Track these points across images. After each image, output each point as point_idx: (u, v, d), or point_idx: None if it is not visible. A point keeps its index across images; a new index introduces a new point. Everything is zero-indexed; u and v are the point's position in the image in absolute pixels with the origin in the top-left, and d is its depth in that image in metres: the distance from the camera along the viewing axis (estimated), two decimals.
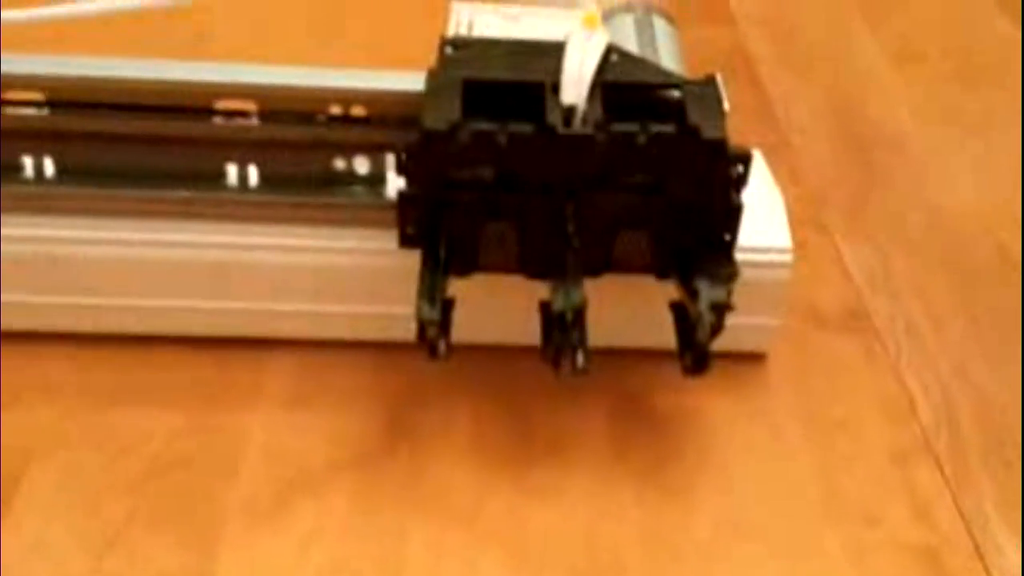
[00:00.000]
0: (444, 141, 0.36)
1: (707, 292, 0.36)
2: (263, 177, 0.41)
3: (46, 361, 0.42)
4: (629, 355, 0.42)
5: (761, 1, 0.73)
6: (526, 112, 0.37)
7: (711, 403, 0.41)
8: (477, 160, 0.37)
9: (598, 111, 0.36)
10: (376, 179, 0.41)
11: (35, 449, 0.38)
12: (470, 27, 0.41)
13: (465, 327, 0.37)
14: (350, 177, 0.41)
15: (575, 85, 0.36)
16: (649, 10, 0.44)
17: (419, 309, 0.36)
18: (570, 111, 0.36)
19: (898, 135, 0.59)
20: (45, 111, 0.39)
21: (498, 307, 0.40)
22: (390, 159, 0.40)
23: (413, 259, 0.38)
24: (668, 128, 0.37)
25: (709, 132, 0.36)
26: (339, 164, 0.41)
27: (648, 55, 0.41)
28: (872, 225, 0.52)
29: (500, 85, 0.37)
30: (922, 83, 0.64)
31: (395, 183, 0.40)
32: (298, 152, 0.40)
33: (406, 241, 0.38)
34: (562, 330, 0.37)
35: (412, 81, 0.39)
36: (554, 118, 0.36)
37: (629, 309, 0.40)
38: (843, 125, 0.60)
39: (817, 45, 0.69)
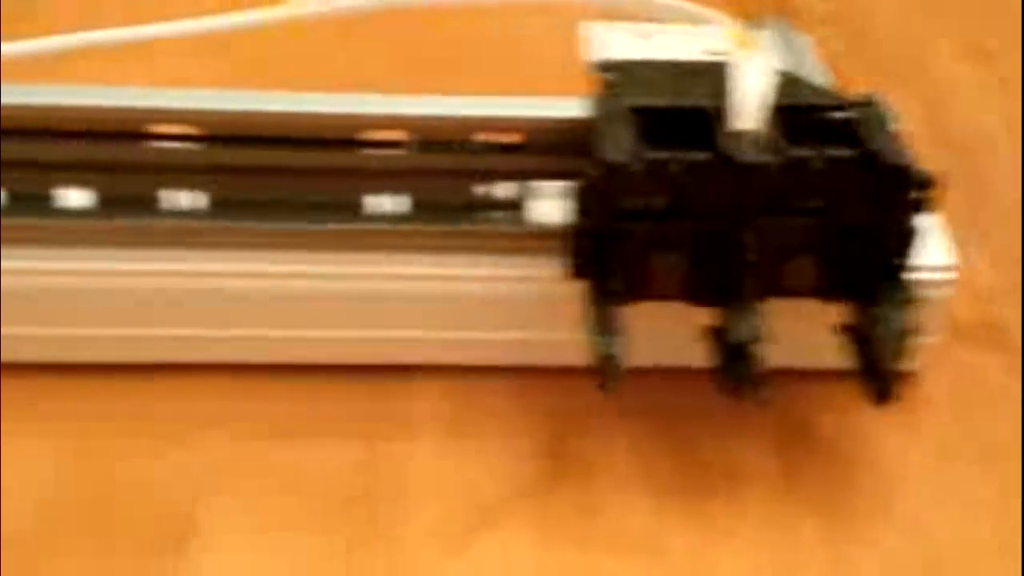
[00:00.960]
0: (622, 172, 0.35)
1: (892, 318, 0.36)
2: (408, 206, 0.40)
3: (201, 396, 0.41)
4: (785, 375, 0.41)
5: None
6: (692, 138, 0.36)
7: (877, 427, 0.41)
8: (652, 190, 0.36)
9: (774, 136, 0.36)
10: (518, 205, 0.40)
11: (209, 486, 0.38)
12: (604, 47, 0.41)
13: None
14: (493, 204, 0.40)
15: (749, 110, 0.36)
16: (785, 23, 0.43)
17: (596, 344, 0.36)
18: (744, 137, 0.36)
19: (990, 137, 0.58)
20: (196, 145, 0.38)
21: (648, 329, 0.40)
22: (535, 185, 0.40)
23: (562, 286, 0.38)
24: (845, 152, 0.36)
25: (892, 158, 0.35)
26: (481, 191, 0.40)
27: (802, 73, 0.40)
28: (988, 231, 0.51)
29: (668, 112, 0.37)
30: (995, 81, 0.63)
31: (538, 210, 0.40)
32: (445, 181, 0.40)
33: (575, 272, 0.38)
34: (741, 359, 0.36)
35: (570, 107, 0.38)
36: (731, 145, 0.35)
37: (785, 330, 0.40)
38: (934, 125, 0.60)
39: (888, 42, 0.68)
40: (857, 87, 0.62)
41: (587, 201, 0.36)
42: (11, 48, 0.42)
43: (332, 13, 0.45)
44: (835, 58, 0.65)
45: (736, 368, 0.36)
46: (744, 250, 0.36)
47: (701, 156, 0.36)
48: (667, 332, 0.39)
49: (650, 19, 0.43)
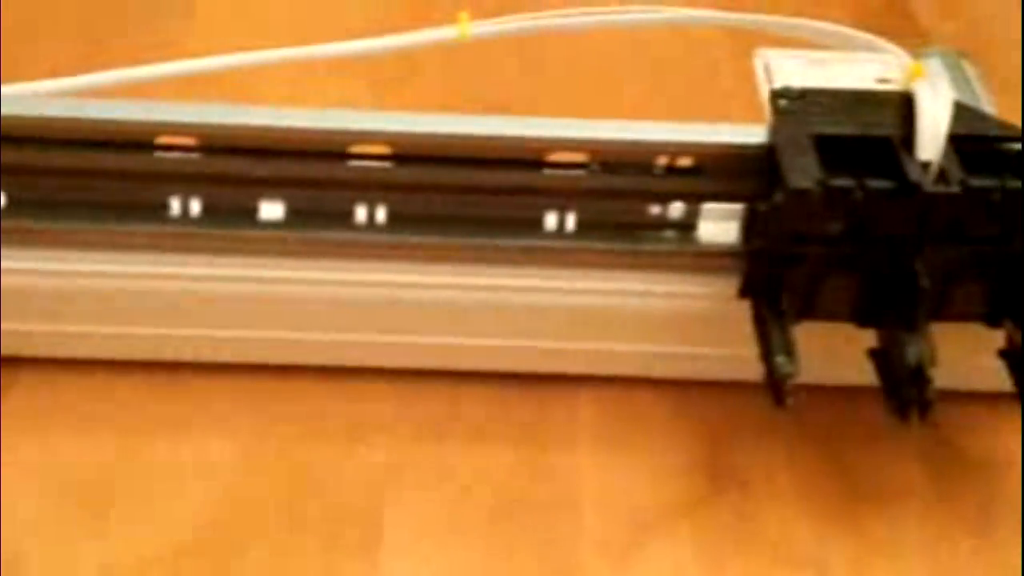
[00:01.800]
0: (807, 198, 0.36)
1: None
2: (585, 224, 0.42)
3: (371, 400, 0.43)
4: (946, 397, 0.42)
5: (954, 19, 0.72)
6: (874, 166, 0.37)
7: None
8: (833, 216, 0.37)
9: (956, 167, 0.37)
10: (690, 226, 0.42)
11: (387, 488, 0.40)
12: (778, 73, 0.42)
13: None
14: (664, 224, 0.42)
15: (932, 141, 0.37)
16: (956, 52, 0.44)
17: (777, 364, 0.37)
18: (926, 167, 0.37)
19: None
20: (388, 164, 0.40)
21: (812, 348, 0.41)
22: (704, 207, 0.42)
23: (728, 304, 0.40)
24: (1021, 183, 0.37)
25: None
26: (655, 211, 0.42)
27: (967, 101, 0.41)
28: None
29: (848, 140, 0.38)
30: None
31: (709, 231, 0.42)
32: (624, 201, 0.41)
33: (747, 292, 0.39)
34: (914, 383, 0.37)
35: (748, 134, 0.40)
36: (917, 175, 0.36)
37: (947, 354, 0.41)
38: None
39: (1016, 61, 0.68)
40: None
41: (767, 224, 0.37)
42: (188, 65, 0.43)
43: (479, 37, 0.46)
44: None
45: (906, 391, 0.37)
46: (918, 276, 0.37)
47: (885, 184, 0.37)
48: (830, 351, 0.40)
49: (822, 46, 0.44)
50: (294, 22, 0.64)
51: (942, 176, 0.37)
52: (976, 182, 0.37)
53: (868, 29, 0.66)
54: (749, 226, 0.38)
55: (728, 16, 0.46)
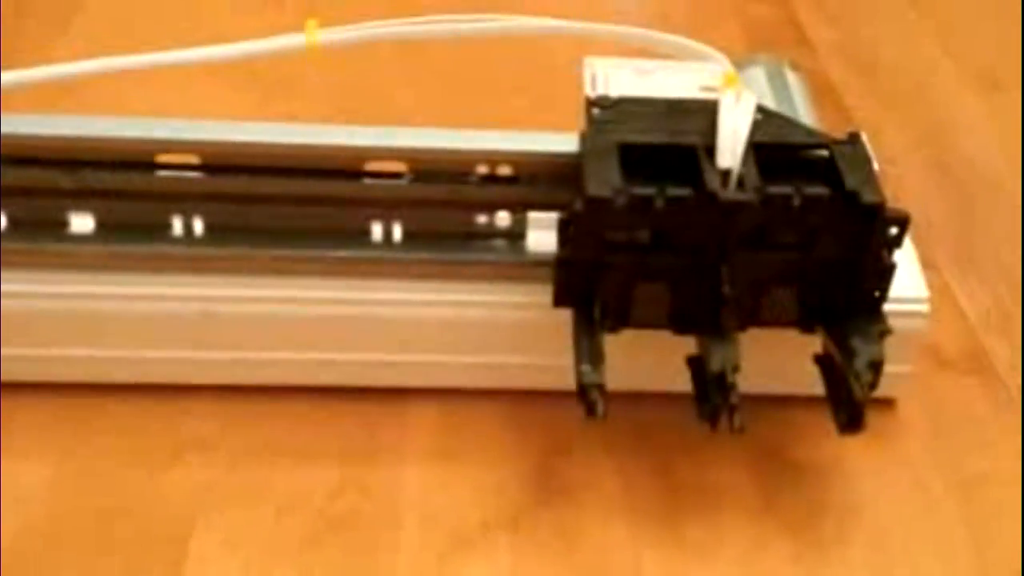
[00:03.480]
0: (606, 206, 0.36)
1: (865, 351, 0.37)
2: (408, 235, 0.42)
3: (196, 417, 0.43)
4: (761, 401, 0.43)
5: (837, 28, 0.73)
6: (677, 174, 0.38)
7: (850, 452, 0.42)
8: (635, 224, 0.38)
9: (754, 174, 0.37)
10: (517, 235, 0.42)
11: (200, 509, 0.39)
12: (605, 82, 0.42)
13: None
14: (492, 233, 0.42)
15: (731, 149, 0.37)
16: (779, 61, 0.44)
17: (582, 372, 0.37)
18: (726, 174, 0.37)
19: (992, 169, 0.59)
20: (200, 174, 0.40)
21: (632, 356, 0.41)
22: (532, 216, 0.42)
23: (552, 313, 0.40)
24: (823, 190, 0.37)
25: (868, 196, 0.37)
26: (482, 221, 0.42)
27: (785, 109, 0.42)
28: (980, 263, 0.52)
29: (654, 148, 0.38)
30: (1006, 113, 0.64)
31: (536, 240, 0.42)
32: (443, 211, 0.41)
33: (560, 301, 0.39)
34: (719, 389, 0.38)
35: (562, 142, 0.40)
36: (714, 183, 0.37)
37: (764, 359, 0.41)
38: (935, 156, 0.61)
39: (899, 73, 0.69)
40: (861, 116, 0.64)
41: (572, 233, 0.37)
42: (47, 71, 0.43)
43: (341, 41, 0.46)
44: (843, 87, 0.67)
45: (713, 396, 0.38)
46: (721, 283, 0.38)
47: (682, 192, 0.37)
48: (650, 359, 0.41)
49: (656, 55, 0.44)
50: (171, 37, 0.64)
51: (740, 184, 0.37)
52: (774, 189, 0.37)
53: (761, 42, 0.67)
54: (559, 235, 0.38)
55: (560, 24, 0.46)
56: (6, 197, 0.40)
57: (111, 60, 0.44)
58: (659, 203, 0.37)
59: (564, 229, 0.38)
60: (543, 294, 0.41)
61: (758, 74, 0.43)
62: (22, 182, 0.40)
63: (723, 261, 0.38)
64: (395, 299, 0.42)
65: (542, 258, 0.41)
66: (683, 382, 0.40)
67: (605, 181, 0.37)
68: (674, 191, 0.37)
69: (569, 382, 0.39)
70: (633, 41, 0.45)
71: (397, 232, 0.42)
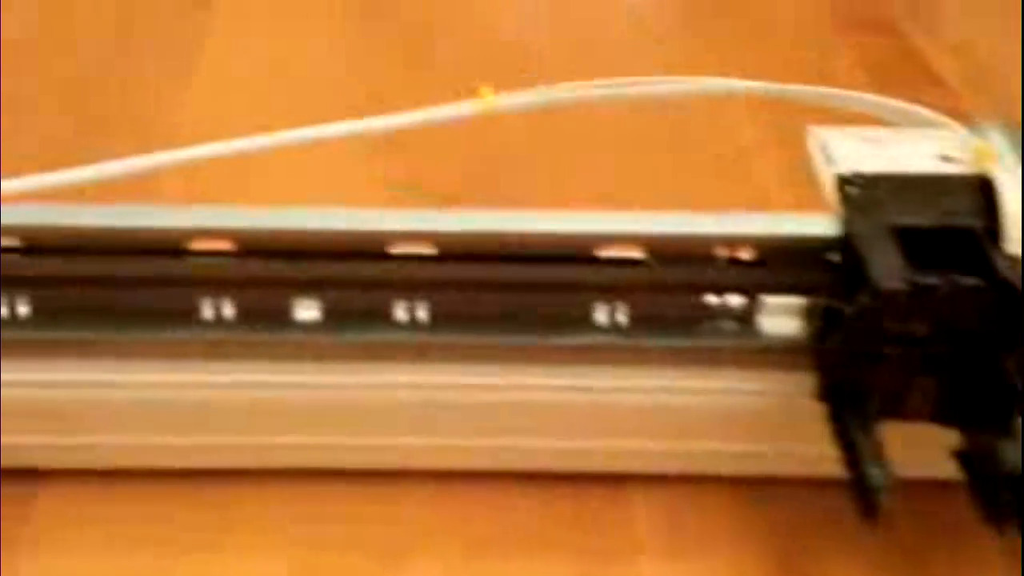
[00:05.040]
0: (894, 298, 0.34)
1: None
2: (635, 319, 0.39)
3: (420, 505, 0.40)
4: None
5: (961, 56, 0.71)
6: (954, 259, 0.35)
7: None
8: (916, 314, 0.35)
9: None
10: (748, 318, 0.39)
11: None
12: (836, 154, 0.39)
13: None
14: (722, 316, 0.40)
15: (1019, 232, 0.35)
16: (1011, 127, 0.42)
17: (870, 476, 0.35)
18: (1016, 260, 0.35)
19: None
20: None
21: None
22: (765, 300, 0.39)
23: (787, 400, 0.38)
24: None
25: None
26: (713, 303, 0.39)
27: None
28: None
29: (929, 231, 0.36)
30: None
31: (771, 324, 0.39)
32: (676, 294, 0.39)
33: (827, 395, 0.37)
34: (1008, 489, 0.35)
35: (812, 224, 0.38)
36: (1007, 271, 0.34)
37: None
38: None
39: None
40: None
41: (854, 326, 0.35)
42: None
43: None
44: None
45: (1002, 497, 0.35)
46: (1008, 375, 0.35)
47: (973, 281, 0.35)
48: (910, 445, 0.38)
49: (873, 119, 0.42)
50: (290, 89, 0.62)
51: None
52: None
53: (884, 80, 0.64)
54: (826, 326, 0.36)
55: (768, 87, 0.44)
56: (235, 288, 0.38)
57: (247, 141, 0.41)
58: (946, 293, 0.35)
59: (837, 321, 0.35)
60: (779, 381, 0.39)
61: (998, 142, 0.40)
62: (252, 273, 0.38)
63: (1010, 352, 0.35)
64: (621, 386, 0.39)
65: (778, 343, 0.39)
66: (934, 470, 0.38)
67: (892, 271, 0.34)
68: (964, 280, 0.35)
69: (803, 469, 0.38)
70: (853, 105, 0.43)
71: (622, 316, 0.39)
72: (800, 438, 0.38)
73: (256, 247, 0.38)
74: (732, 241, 0.38)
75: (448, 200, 0.53)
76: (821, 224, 0.37)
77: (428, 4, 0.73)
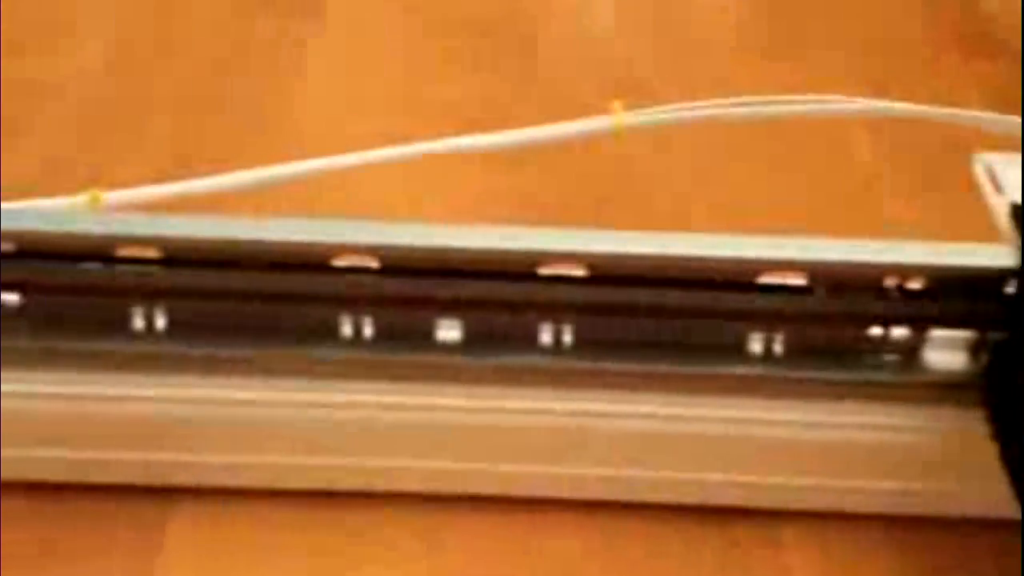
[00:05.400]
0: None
1: None
2: (792, 349, 0.38)
3: (558, 536, 0.38)
4: None
5: None
6: None
7: None
8: None
9: None
10: (912, 351, 0.38)
11: None
12: (1003, 180, 0.38)
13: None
14: (884, 348, 0.38)
15: None
16: None
17: None
18: None
19: None
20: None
21: None
22: (932, 332, 0.38)
23: (947, 437, 0.37)
24: None
25: None
26: (876, 334, 0.38)
27: None
28: None
29: None
30: None
31: (937, 359, 0.38)
32: (839, 325, 0.37)
33: (997, 432, 0.35)
34: None
35: (986, 255, 0.36)
36: None
37: None
38: None
39: None
40: None
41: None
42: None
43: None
44: None
45: None
46: None
47: None
48: None
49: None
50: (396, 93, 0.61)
51: None
52: None
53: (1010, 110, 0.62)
54: (996, 360, 0.34)
55: (927, 111, 0.42)
56: (376, 305, 0.37)
57: (369, 154, 0.40)
58: None
59: (1006, 353, 0.34)
60: (944, 418, 0.37)
61: None
62: (395, 291, 0.36)
63: None
64: (776, 419, 0.38)
65: (944, 378, 0.37)
66: None
67: None
68: None
69: (966, 509, 0.37)
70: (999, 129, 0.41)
71: (778, 346, 0.38)
72: (965, 476, 0.37)
73: (400, 264, 0.36)
74: (904, 271, 0.36)
75: (565, 216, 0.51)
76: (998, 254, 0.36)
77: (534, 20, 0.71)
